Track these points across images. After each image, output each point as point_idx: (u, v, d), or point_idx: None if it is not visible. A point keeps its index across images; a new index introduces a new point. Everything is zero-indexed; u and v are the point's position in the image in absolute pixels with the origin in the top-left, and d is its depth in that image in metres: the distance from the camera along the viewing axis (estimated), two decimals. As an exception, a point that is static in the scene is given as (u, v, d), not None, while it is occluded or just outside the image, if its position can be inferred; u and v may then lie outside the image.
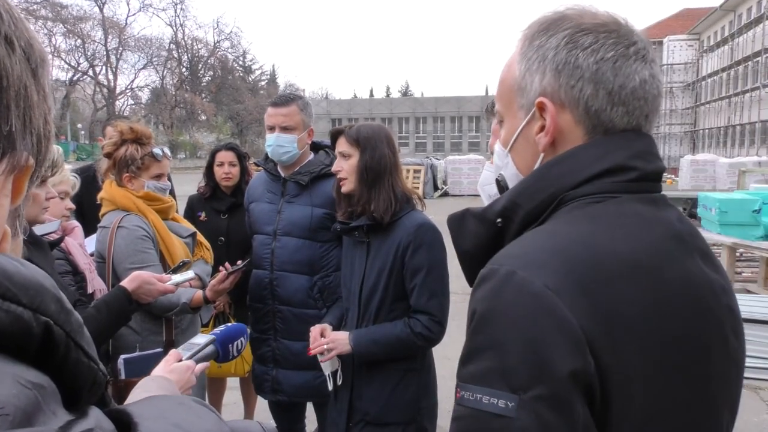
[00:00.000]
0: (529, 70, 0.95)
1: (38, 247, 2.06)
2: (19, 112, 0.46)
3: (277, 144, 2.74)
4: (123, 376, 2.19)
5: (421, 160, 24.73)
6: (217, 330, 1.80)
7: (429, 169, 23.25)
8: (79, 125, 51.53)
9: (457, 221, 1.00)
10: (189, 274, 2.46)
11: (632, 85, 0.90)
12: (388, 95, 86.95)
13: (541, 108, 0.93)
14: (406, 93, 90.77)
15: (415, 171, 22.83)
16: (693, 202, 9.43)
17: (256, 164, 3.10)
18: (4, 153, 0.46)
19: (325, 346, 2.35)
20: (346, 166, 2.35)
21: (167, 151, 2.72)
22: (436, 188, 23.33)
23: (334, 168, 2.40)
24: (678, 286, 0.85)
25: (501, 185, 1.06)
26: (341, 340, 2.34)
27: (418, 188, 22.29)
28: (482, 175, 1.70)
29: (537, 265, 0.80)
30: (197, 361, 1.65)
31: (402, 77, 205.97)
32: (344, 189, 2.38)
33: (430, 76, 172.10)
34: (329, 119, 57.22)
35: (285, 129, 2.74)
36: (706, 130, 45.44)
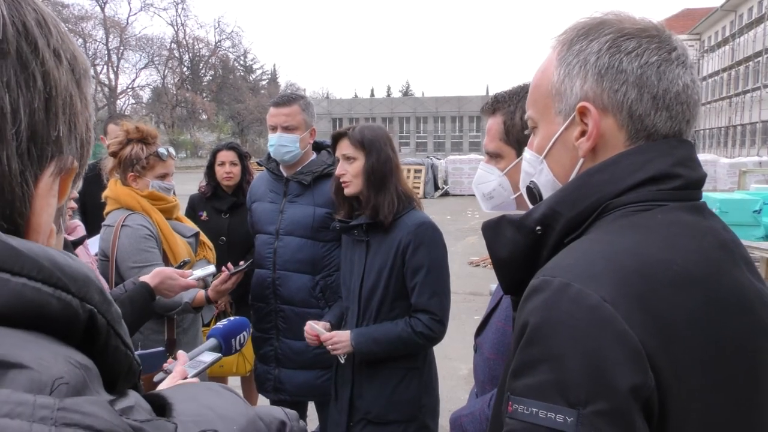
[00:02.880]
0: (569, 75, 0.94)
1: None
2: (66, 118, 0.51)
3: (280, 144, 2.75)
4: (124, 374, 2.20)
5: (422, 159, 24.72)
6: (220, 324, 1.82)
7: (430, 169, 23.25)
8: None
9: (492, 228, 0.98)
10: (210, 268, 2.48)
11: (676, 90, 0.90)
12: (389, 95, 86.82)
13: (583, 113, 0.92)
14: (406, 93, 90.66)
15: (416, 171, 22.83)
16: (693, 203, 9.42)
17: (258, 164, 3.11)
18: (53, 156, 0.50)
19: (330, 347, 2.36)
20: (350, 168, 2.35)
21: (172, 151, 2.73)
22: (436, 188, 23.33)
23: (337, 171, 2.40)
24: (730, 297, 0.83)
25: (534, 193, 1.04)
26: (343, 339, 2.35)
27: (418, 188, 22.30)
28: (477, 174, 1.69)
29: (591, 277, 0.78)
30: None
31: (403, 77, 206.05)
32: (348, 191, 2.37)
33: (430, 75, 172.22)
34: (330, 119, 57.18)
35: (287, 129, 2.74)
36: (707, 131, 45.43)
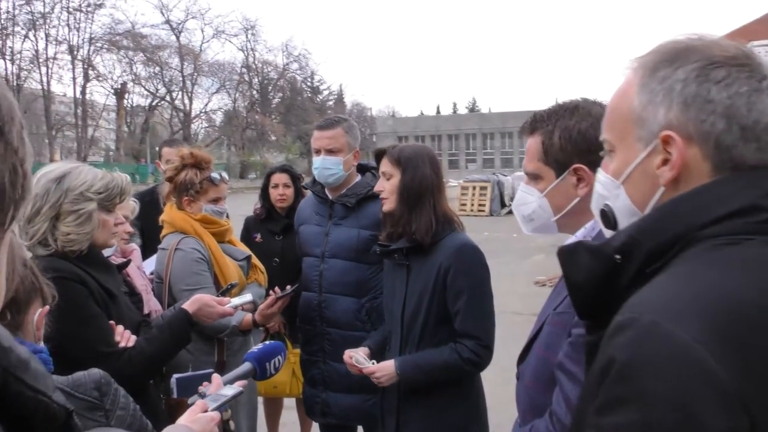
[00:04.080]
0: (651, 102, 0.92)
1: (107, 270, 2.17)
2: None
3: (323, 166, 2.78)
4: (175, 395, 2.25)
5: (488, 176, 24.49)
6: (255, 348, 1.84)
7: (496, 186, 22.99)
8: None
9: (568, 254, 0.97)
10: (247, 297, 2.53)
11: (766, 120, 0.88)
12: (455, 112, 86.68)
13: (666, 141, 0.90)
14: (473, 109, 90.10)
15: (482, 188, 22.62)
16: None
17: (303, 187, 3.15)
18: None
19: (374, 379, 2.33)
20: (387, 185, 2.36)
21: (225, 175, 2.83)
22: (503, 205, 23.01)
23: (376, 188, 2.42)
24: None
25: (608, 216, 1.03)
26: (388, 370, 2.30)
27: (484, 206, 22.06)
28: (516, 195, 1.64)
29: (681, 316, 0.76)
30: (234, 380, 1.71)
31: (469, 93, 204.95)
32: (384, 208, 2.38)
33: (497, 91, 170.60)
34: (396, 137, 57.70)
35: (330, 152, 2.78)
36: (794, 140, 42.96)
